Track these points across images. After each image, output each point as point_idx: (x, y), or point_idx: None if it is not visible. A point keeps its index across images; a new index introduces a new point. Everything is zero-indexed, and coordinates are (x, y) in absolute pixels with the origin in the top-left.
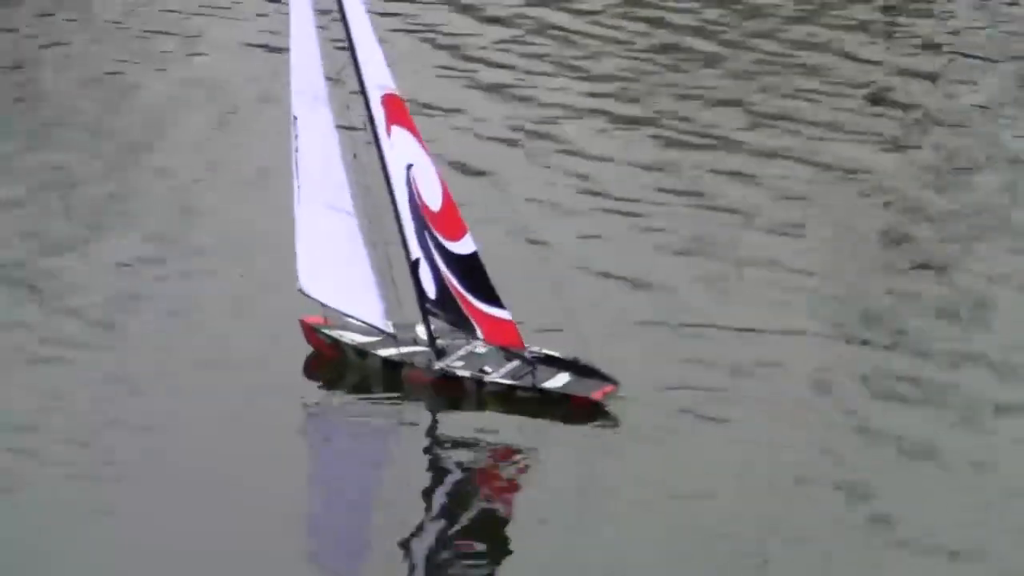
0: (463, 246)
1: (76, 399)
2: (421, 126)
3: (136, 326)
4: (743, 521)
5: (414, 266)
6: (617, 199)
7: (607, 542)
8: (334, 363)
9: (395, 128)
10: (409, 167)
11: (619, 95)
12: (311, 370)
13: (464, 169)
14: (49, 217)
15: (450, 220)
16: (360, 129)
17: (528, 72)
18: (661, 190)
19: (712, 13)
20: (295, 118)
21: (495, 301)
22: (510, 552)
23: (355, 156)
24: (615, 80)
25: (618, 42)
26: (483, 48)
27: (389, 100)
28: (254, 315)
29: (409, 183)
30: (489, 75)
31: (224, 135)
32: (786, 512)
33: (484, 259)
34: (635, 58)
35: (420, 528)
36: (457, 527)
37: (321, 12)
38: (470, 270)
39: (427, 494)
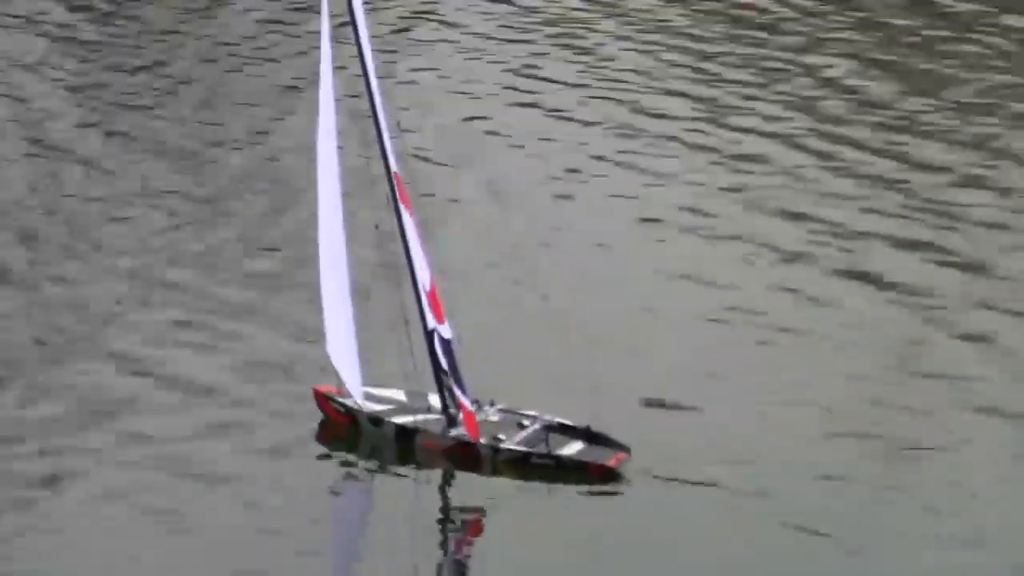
0: (446, 330)
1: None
2: None
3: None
4: None
5: (430, 336)
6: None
7: None
8: (347, 431)
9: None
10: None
11: None
12: (323, 437)
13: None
14: None
15: (436, 301)
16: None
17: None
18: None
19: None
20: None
21: (463, 389)
22: None
23: (376, 226)
24: None
25: None
26: None
27: (395, 178)
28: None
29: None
30: None
31: None
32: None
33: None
34: None
35: None
36: None
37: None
38: (450, 353)
39: (442, 560)
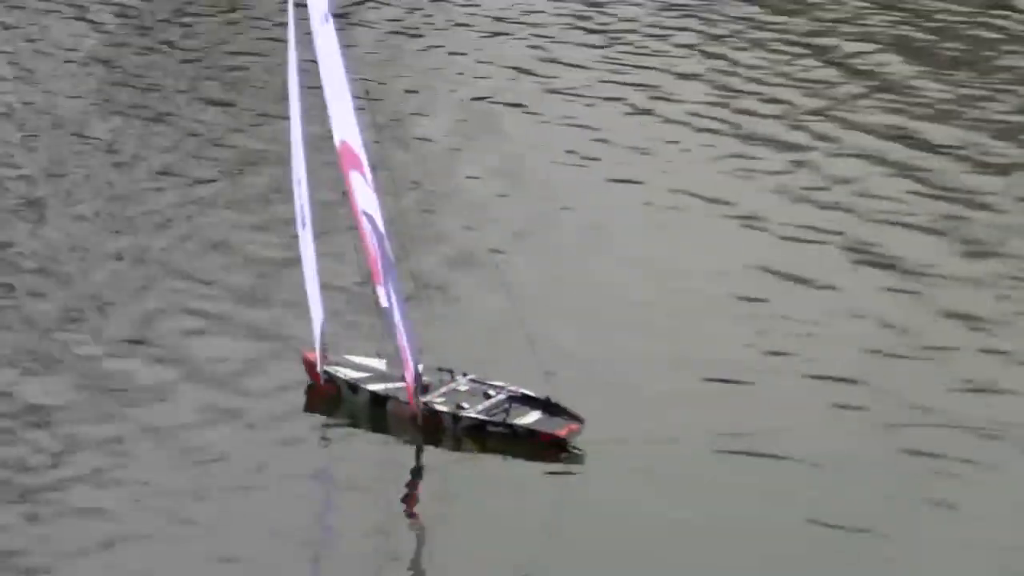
0: (382, 298)
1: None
2: None
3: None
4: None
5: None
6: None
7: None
8: (332, 397)
9: (353, 173)
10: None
11: None
12: (310, 402)
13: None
14: None
15: (376, 269)
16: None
17: None
18: None
19: None
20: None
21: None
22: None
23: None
24: None
25: None
26: None
27: (345, 147)
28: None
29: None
30: None
31: None
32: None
33: None
34: None
35: (391, 551)
36: (423, 552)
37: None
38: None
39: (402, 523)
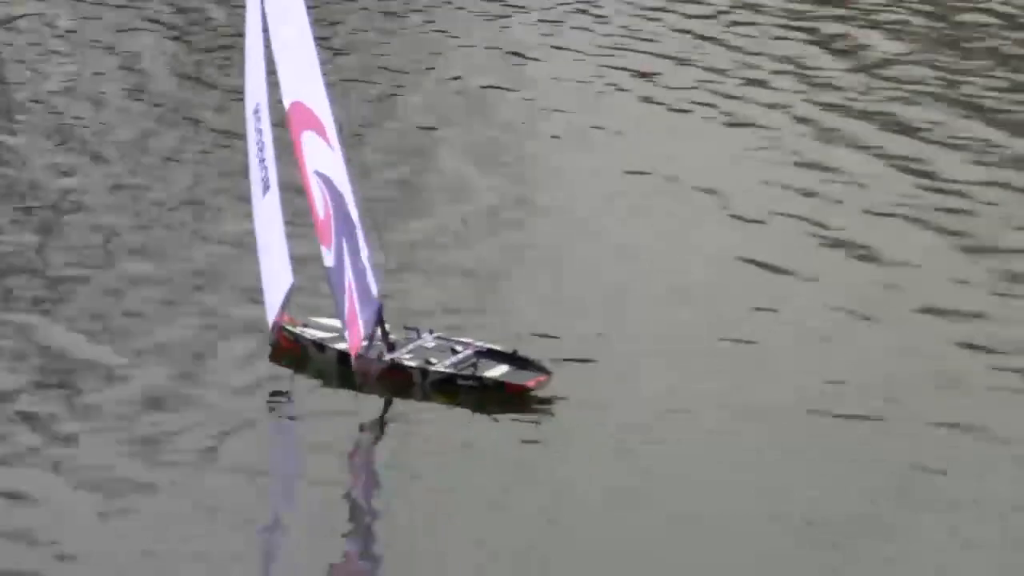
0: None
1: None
2: None
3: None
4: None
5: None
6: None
7: (546, 530)
8: (295, 356)
9: (307, 134)
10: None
11: None
12: (274, 362)
13: None
14: None
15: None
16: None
17: None
18: None
19: None
20: (256, 112)
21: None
22: (446, 539)
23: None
24: None
25: None
26: None
27: (296, 108)
28: None
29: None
30: None
31: None
32: None
33: None
34: None
35: (358, 515)
36: (392, 514)
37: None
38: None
39: (371, 477)
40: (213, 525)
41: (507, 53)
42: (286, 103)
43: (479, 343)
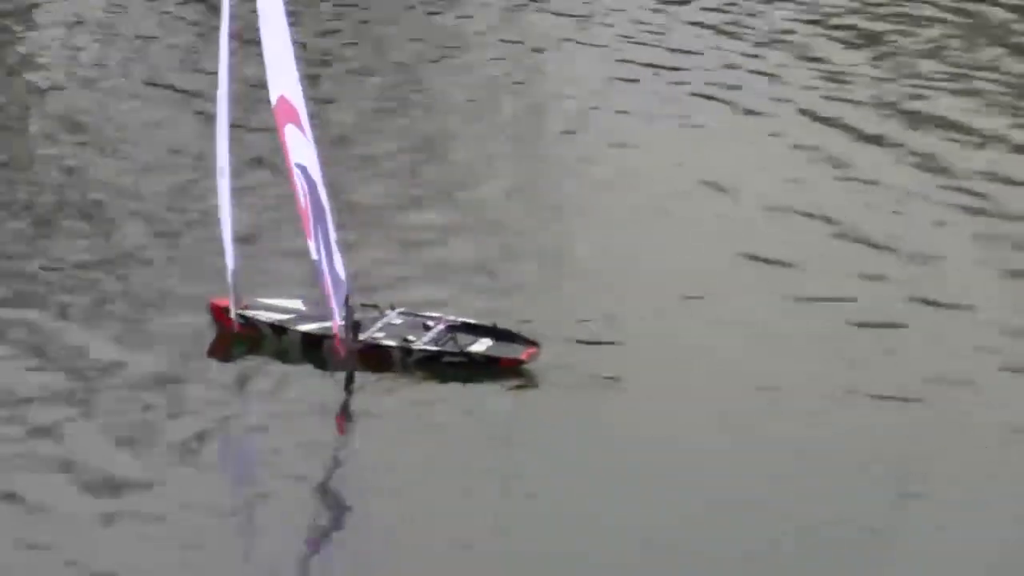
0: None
1: None
2: None
3: None
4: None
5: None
6: None
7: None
8: (242, 343)
9: (289, 127)
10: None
11: None
12: (219, 351)
13: None
14: None
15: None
16: None
17: None
18: None
19: None
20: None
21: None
22: (439, 520)
23: None
24: None
25: None
26: None
27: (281, 102)
28: None
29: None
30: None
31: None
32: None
33: None
34: None
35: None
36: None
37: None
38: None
39: (357, 459)
40: (190, 519)
41: (528, 48)
42: (273, 98)
43: (450, 317)
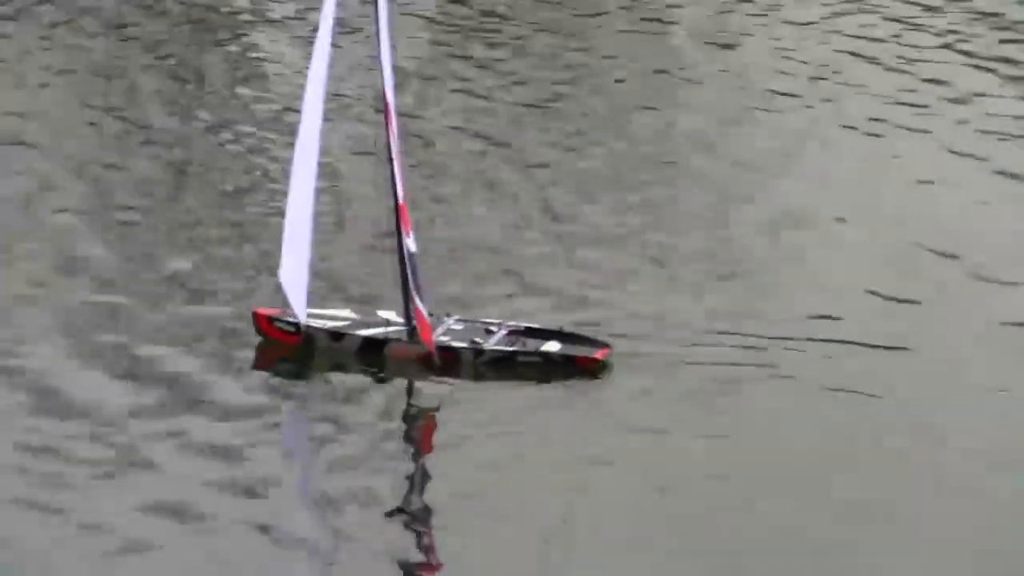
0: (412, 243)
1: None
2: None
3: None
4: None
5: (401, 248)
6: None
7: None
8: (294, 351)
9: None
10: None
11: None
12: (266, 361)
13: None
14: None
15: (406, 215)
16: None
17: None
18: None
19: None
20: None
21: (422, 300)
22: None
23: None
24: None
25: None
26: None
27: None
28: None
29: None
30: None
31: None
32: None
33: None
34: None
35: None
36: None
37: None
38: (415, 266)
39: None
40: (256, 515)
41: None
42: (389, 98)
43: (510, 322)
